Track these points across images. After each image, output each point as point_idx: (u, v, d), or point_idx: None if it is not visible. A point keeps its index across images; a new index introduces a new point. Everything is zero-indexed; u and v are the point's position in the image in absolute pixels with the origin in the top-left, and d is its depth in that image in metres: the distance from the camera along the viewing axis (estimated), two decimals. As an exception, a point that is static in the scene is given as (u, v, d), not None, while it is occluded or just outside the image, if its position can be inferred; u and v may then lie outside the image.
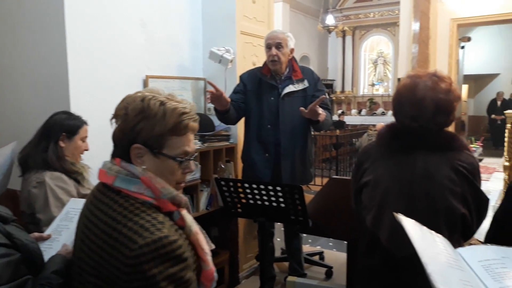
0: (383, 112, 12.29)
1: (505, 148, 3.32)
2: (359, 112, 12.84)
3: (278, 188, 2.13)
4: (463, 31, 10.22)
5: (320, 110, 2.52)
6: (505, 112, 3.47)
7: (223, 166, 2.99)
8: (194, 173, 2.73)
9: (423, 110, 1.46)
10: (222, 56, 2.96)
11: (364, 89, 13.31)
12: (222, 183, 2.26)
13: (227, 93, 2.79)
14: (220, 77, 3.04)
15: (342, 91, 13.31)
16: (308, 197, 2.31)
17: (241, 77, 2.91)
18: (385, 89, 12.90)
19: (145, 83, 2.77)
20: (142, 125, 1.02)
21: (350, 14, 12.76)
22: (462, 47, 10.97)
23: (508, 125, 3.20)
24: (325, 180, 4.23)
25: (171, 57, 3.01)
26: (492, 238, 1.38)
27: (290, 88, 2.73)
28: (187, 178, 1.15)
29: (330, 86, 13.40)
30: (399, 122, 1.57)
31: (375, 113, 12.42)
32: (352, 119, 12.15)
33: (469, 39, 11.21)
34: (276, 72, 2.77)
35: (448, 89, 1.47)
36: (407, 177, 1.49)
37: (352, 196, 1.73)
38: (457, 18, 7.98)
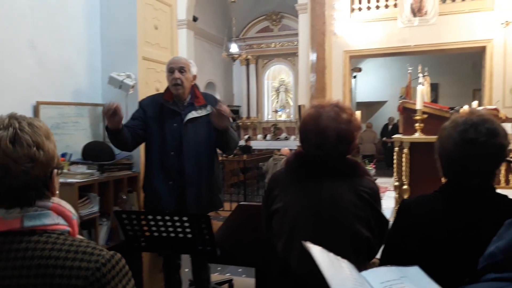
0: (286, 137, 12.84)
1: (395, 169, 3.59)
2: (265, 137, 13.24)
3: (184, 219, 2.05)
4: (355, 62, 11.20)
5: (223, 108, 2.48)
6: (392, 136, 3.80)
7: (124, 197, 2.81)
8: (92, 206, 2.52)
9: (326, 139, 1.51)
10: (123, 82, 2.82)
11: (268, 115, 13.81)
12: (123, 215, 2.11)
13: (127, 119, 2.65)
14: (120, 104, 2.89)
15: (248, 117, 13.64)
16: (217, 224, 2.27)
17: (140, 103, 2.78)
18: (288, 115, 13.59)
19: (36, 110, 2.52)
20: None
21: (253, 43, 13.26)
22: (354, 77, 12.00)
23: (396, 148, 3.48)
24: (234, 205, 4.21)
25: (66, 82, 2.79)
26: (387, 257, 1.44)
27: (193, 114, 2.68)
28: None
29: (236, 112, 13.64)
30: (305, 150, 1.61)
31: (279, 138, 12.91)
32: (258, 143, 12.47)
33: (360, 70, 12.33)
34: (179, 98, 2.71)
35: (349, 119, 1.55)
36: (314, 204, 1.53)
37: (264, 223, 1.72)
38: (349, 50, 8.73)
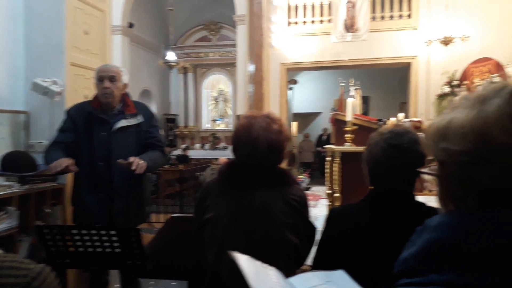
0: (225, 146, 12.81)
1: (327, 178, 3.70)
2: (203, 147, 13.13)
3: (112, 232, 1.96)
4: (292, 74, 11.50)
5: (134, 165, 2.36)
6: (324, 146, 3.92)
7: (48, 211, 2.63)
8: (10, 221, 2.33)
9: (257, 149, 1.54)
10: (48, 88, 2.67)
11: (206, 124, 13.73)
12: (45, 230, 1.97)
13: (53, 128, 2.50)
14: (45, 111, 2.72)
15: (186, 126, 13.46)
16: (148, 237, 2.19)
17: (68, 112, 2.63)
18: (226, 125, 13.60)
19: None
20: None
21: (190, 52, 13.17)
22: (291, 89, 12.31)
23: (328, 158, 3.59)
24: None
25: (-18, 86, 2.59)
26: (318, 263, 1.48)
27: (122, 123, 2.58)
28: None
29: (173, 121, 13.40)
30: (237, 159, 1.63)
31: (217, 147, 12.86)
32: (196, 153, 12.33)
33: (296, 82, 12.67)
34: (108, 106, 2.60)
35: (280, 130, 1.60)
36: (246, 213, 1.55)
37: (195, 233, 1.70)
38: (286, 63, 8.94)
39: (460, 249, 0.57)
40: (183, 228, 2.02)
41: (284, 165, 1.73)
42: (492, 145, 0.57)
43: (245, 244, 1.46)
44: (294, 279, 1.05)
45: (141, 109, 2.70)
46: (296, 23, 8.85)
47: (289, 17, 8.83)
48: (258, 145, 1.54)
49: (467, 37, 7.59)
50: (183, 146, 12.25)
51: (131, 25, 10.27)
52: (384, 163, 1.36)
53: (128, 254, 2.00)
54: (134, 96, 10.60)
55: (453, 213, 0.62)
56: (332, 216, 1.49)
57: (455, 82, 7.72)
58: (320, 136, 12.76)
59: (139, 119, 2.63)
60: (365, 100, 11.35)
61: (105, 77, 2.54)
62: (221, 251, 1.52)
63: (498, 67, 7.24)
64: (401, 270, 0.63)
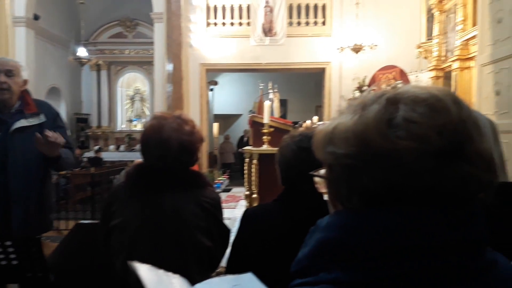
0: (142, 148, 12.34)
1: (245, 179, 3.71)
2: (118, 148, 12.53)
3: (8, 243, 1.76)
4: (212, 75, 11.45)
5: (50, 134, 2.19)
6: (243, 148, 3.93)
7: None
8: None
9: (168, 150, 1.50)
10: None
11: (122, 125, 13.11)
12: None
13: None
14: None
15: (99, 126, 12.74)
16: (52, 246, 2.01)
17: None
18: (143, 125, 13.04)
19: None
20: None
21: (104, 48, 12.49)
22: (211, 89, 12.25)
23: (246, 159, 3.60)
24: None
25: None
26: (231, 266, 1.47)
27: (22, 123, 2.33)
28: None
29: (85, 121, 12.63)
30: (147, 161, 1.57)
31: (134, 149, 12.33)
32: (110, 155, 11.71)
33: (216, 83, 12.63)
34: (4, 104, 2.33)
35: (192, 131, 1.56)
36: (156, 217, 1.49)
37: (102, 241, 1.59)
38: (205, 63, 8.88)
39: (345, 247, 0.60)
40: (89, 235, 1.88)
41: (205, 166, 1.69)
42: (372, 149, 0.60)
43: (155, 250, 1.43)
44: (200, 286, 1.02)
45: (43, 108, 2.46)
46: (215, 24, 8.83)
47: (208, 17, 8.78)
48: (169, 147, 1.50)
49: (375, 45, 8.14)
50: (96, 147, 11.58)
51: (36, 17, 9.46)
52: (295, 164, 1.39)
53: (27, 266, 1.82)
54: (40, 94, 9.79)
55: (339, 213, 0.65)
56: (245, 217, 1.48)
57: (365, 88, 8.24)
58: (242, 137, 12.87)
59: (41, 119, 2.39)
60: (284, 103, 11.67)
61: (1, 70, 2.28)
62: (129, 259, 1.44)
63: (402, 74, 7.86)
64: (295, 270, 0.65)
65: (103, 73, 12.66)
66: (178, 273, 1.44)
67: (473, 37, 4.25)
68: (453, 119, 0.60)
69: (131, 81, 13.15)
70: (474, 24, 4.30)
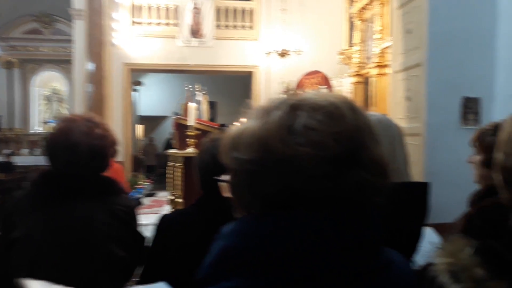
0: (61, 151, 11.58)
1: (169, 183, 3.60)
2: (32, 152, 11.61)
3: None
4: (136, 76, 11.06)
5: None
6: (166, 151, 3.82)
7: None
8: None
9: (77, 156, 1.40)
10: None
11: (37, 127, 12.17)
12: None
13: None
14: None
15: (11, 129, 11.72)
16: None
17: None
18: (51, 128, 12.23)
19: None
20: None
21: (17, 45, 11.53)
22: (136, 90, 11.82)
23: (171, 163, 3.51)
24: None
25: None
26: (147, 274, 1.41)
27: None
28: None
29: (-5, 122, 11.58)
30: (54, 168, 1.45)
31: (51, 153, 11.55)
32: (23, 159, 10.82)
33: (140, 83, 12.22)
34: None
35: (103, 134, 1.47)
36: (64, 227, 1.38)
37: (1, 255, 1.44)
38: (129, 63, 8.54)
39: (245, 254, 0.60)
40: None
41: (129, 170, 1.60)
42: (273, 154, 0.61)
43: (63, 264, 1.33)
44: None
45: None
46: (140, 23, 8.53)
47: (132, 16, 8.47)
48: (78, 152, 1.39)
49: (301, 51, 8.39)
50: (7, 151, 10.64)
51: None
52: (213, 169, 1.35)
53: None
54: None
55: (242, 220, 0.65)
56: (162, 224, 1.43)
57: (291, 92, 8.45)
58: (169, 140, 12.58)
59: None
60: (213, 105, 11.59)
61: None
62: (32, 275, 1.32)
63: (326, 80, 8.18)
64: (199, 278, 0.65)
65: (16, 72, 11.67)
66: (89, 286, 1.35)
67: (389, 46, 4.52)
68: (349, 126, 0.62)
69: (48, 81, 12.26)
70: (391, 34, 4.59)
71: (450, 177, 2.75)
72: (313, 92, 0.70)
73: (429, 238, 1.59)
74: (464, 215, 2.05)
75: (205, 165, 1.40)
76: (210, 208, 1.37)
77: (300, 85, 8.52)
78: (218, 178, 0.82)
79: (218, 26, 8.65)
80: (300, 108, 0.64)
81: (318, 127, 0.61)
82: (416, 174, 2.93)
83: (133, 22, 8.48)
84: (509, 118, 0.79)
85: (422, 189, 1.40)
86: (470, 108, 2.92)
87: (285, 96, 0.71)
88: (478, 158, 1.57)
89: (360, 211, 0.63)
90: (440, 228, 2.49)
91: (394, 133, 1.43)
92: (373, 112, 1.54)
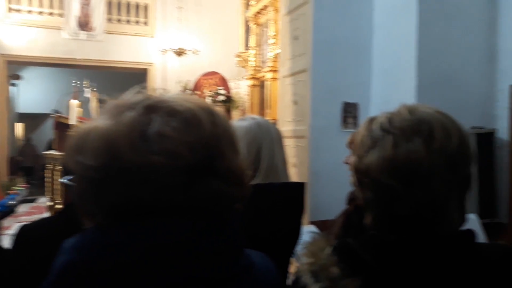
0: None
1: (47, 188, 3.31)
2: None
3: None
4: (15, 69, 9.96)
5: None
6: (44, 152, 3.48)
7: None
8: None
9: None
10: None
11: None
12: None
13: None
14: None
15: None
16: None
17: None
18: None
19: None
20: None
21: None
22: (14, 85, 10.64)
23: (49, 165, 3.21)
24: None
25: None
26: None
27: None
28: None
29: None
30: None
31: None
32: None
33: (19, 77, 11.02)
34: None
35: None
36: None
37: None
38: (5, 54, 7.66)
39: (87, 269, 0.55)
40: None
41: (4, 173, 1.38)
42: (121, 162, 0.56)
43: None
44: None
45: None
46: (19, 10, 7.69)
47: (9, 2, 7.60)
48: None
49: (198, 51, 8.31)
50: None
51: None
52: None
53: None
54: None
55: (85, 232, 0.60)
56: (20, 235, 1.26)
57: (189, 92, 8.33)
58: (51, 140, 11.57)
59: None
60: (104, 103, 10.92)
61: None
62: None
63: (223, 81, 8.21)
64: None
65: None
66: None
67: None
68: (206, 134, 0.59)
69: None
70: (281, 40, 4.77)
71: (332, 176, 2.93)
72: (175, 94, 0.65)
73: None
74: (342, 213, 2.18)
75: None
76: (73, 215, 1.25)
77: (197, 85, 8.45)
78: (66, 181, 0.73)
79: (109, 20, 8.17)
80: (156, 111, 0.59)
81: (172, 134, 0.57)
82: (303, 174, 3.08)
83: (10, 9, 7.60)
84: (363, 123, 0.83)
85: (299, 189, 1.46)
86: (349, 112, 3.15)
87: (142, 94, 0.65)
88: (352, 159, 1.67)
89: (213, 219, 0.61)
90: (324, 225, 2.64)
91: (273, 136, 1.46)
92: (254, 115, 1.56)
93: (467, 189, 0.77)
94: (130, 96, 0.63)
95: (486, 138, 2.96)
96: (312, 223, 2.90)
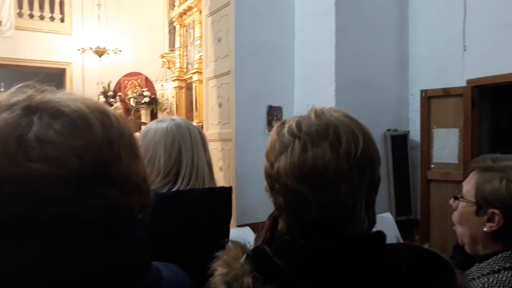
0: None
1: None
2: None
3: None
4: None
5: None
6: None
7: None
8: None
9: None
10: None
11: None
12: None
13: None
14: None
15: None
16: None
17: None
18: None
19: None
20: None
21: None
22: None
23: None
24: None
25: None
26: None
27: None
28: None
29: None
30: None
31: None
32: None
33: None
34: None
35: None
36: None
37: None
38: None
39: None
40: None
41: None
42: None
43: None
44: None
45: None
46: None
47: None
48: None
49: (120, 50, 7.97)
50: None
51: None
52: None
53: None
54: None
55: None
56: None
57: (110, 93, 7.96)
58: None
59: None
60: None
61: None
62: None
63: (148, 82, 7.96)
64: None
65: None
66: None
67: (206, 52, 4.64)
68: (97, 139, 0.53)
69: None
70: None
71: (259, 179, 2.90)
72: (62, 93, 0.59)
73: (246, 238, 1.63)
74: (269, 216, 2.18)
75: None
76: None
77: (120, 86, 8.10)
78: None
79: (20, 15, 7.55)
80: (37, 113, 0.52)
81: (56, 139, 0.50)
82: (230, 177, 3.05)
83: None
84: (274, 128, 0.82)
85: (224, 193, 1.41)
86: (274, 115, 3.19)
87: (23, 94, 0.57)
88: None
89: (108, 234, 0.54)
90: (252, 228, 2.63)
91: (194, 138, 1.40)
92: (174, 117, 1.49)
93: (375, 191, 0.78)
94: (9, 95, 0.55)
95: (400, 139, 3.15)
96: (239, 227, 2.88)
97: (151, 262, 0.65)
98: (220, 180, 3.05)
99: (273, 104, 3.17)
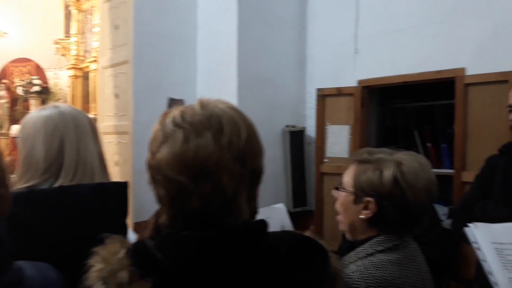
0: None
1: None
2: None
3: None
4: None
5: None
6: None
7: None
8: None
9: None
10: None
11: None
12: None
13: None
14: None
15: None
16: None
17: None
18: None
19: None
20: None
21: None
22: None
23: None
24: None
25: None
26: None
27: None
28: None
29: None
30: None
31: None
32: None
33: None
34: None
35: None
36: None
37: None
38: None
39: None
40: None
41: None
42: None
43: None
44: None
45: None
46: None
47: None
48: None
49: (5, 33, 7.18)
50: None
51: None
52: None
53: None
54: None
55: None
56: None
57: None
58: None
59: None
60: None
61: None
62: None
63: (39, 70, 7.28)
64: None
65: None
66: None
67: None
68: None
69: None
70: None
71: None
72: None
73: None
74: (155, 213, 2.12)
75: None
76: None
77: (6, 73, 7.30)
78: None
79: None
80: None
81: None
82: (126, 172, 2.91)
83: None
84: (159, 118, 0.79)
85: (118, 189, 1.32)
86: (175, 108, 3.12)
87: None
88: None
89: None
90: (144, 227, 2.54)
91: (82, 127, 1.29)
92: (59, 104, 1.36)
93: (257, 181, 0.79)
94: None
95: (297, 135, 3.29)
96: (137, 224, 2.77)
97: (12, 262, 0.59)
98: (116, 175, 2.89)
99: (175, 97, 3.10)
